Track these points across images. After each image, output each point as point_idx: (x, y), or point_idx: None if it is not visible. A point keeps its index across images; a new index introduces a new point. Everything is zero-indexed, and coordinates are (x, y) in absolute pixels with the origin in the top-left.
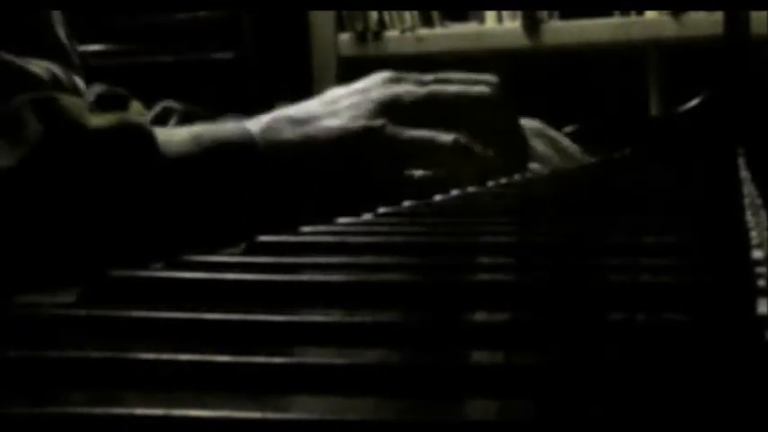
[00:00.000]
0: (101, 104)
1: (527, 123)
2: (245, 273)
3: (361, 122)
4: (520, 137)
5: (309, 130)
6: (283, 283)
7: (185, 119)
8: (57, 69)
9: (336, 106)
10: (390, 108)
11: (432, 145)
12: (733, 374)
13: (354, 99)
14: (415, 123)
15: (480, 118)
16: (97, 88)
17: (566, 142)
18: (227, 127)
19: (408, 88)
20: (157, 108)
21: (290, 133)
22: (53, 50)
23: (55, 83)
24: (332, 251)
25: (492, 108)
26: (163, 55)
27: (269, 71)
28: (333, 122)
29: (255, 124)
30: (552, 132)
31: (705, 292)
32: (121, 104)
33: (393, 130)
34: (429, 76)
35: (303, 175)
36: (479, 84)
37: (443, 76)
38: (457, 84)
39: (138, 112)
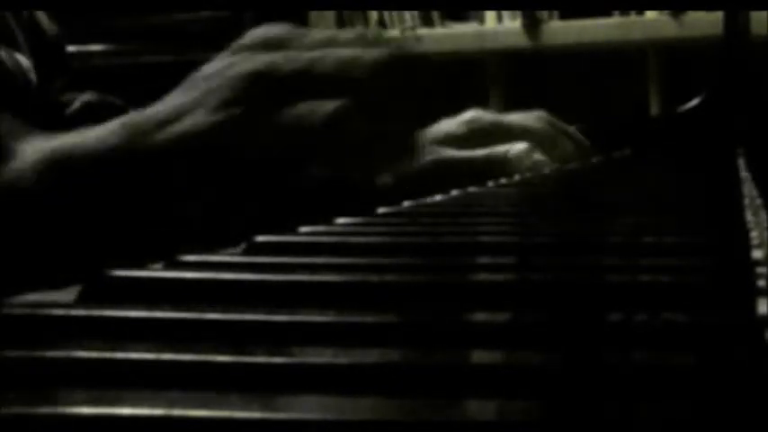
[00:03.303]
0: (88, 112)
1: (531, 113)
2: (244, 273)
3: (220, 114)
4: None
5: (174, 131)
6: (283, 283)
7: (102, 110)
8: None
9: (195, 94)
10: (257, 86)
11: (306, 122)
12: (733, 375)
13: (214, 83)
14: (292, 98)
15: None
16: (87, 96)
17: (575, 134)
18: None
19: (282, 57)
20: (77, 104)
21: (159, 138)
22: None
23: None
24: (331, 251)
25: (388, 78)
26: (163, 55)
27: None
28: (187, 121)
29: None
30: (560, 123)
31: (705, 292)
32: (113, 113)
33: (263, 114)
34: (314, 36)
35: (181, 183)
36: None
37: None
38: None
39: None
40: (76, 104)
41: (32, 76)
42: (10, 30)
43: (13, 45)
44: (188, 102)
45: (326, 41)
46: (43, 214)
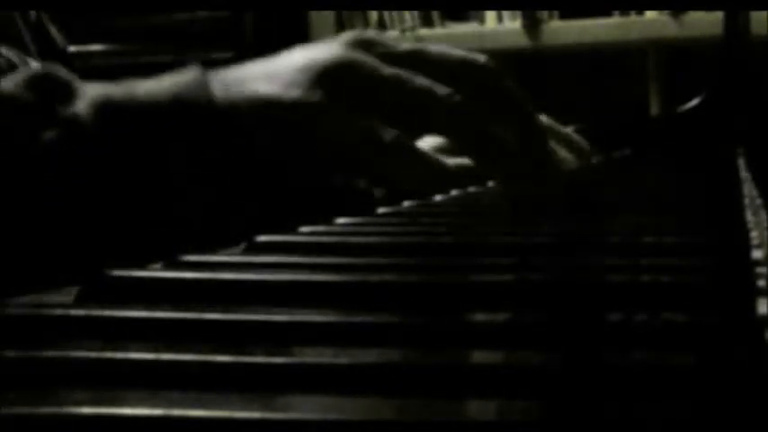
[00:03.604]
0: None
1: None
2: (244, 272)
3: (296, 92)
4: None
5: (232, 94)
6: (283, 283)
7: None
8: (12, 55)
9: (275, 67)
10: (333, 79)
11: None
12: (733, 375)
13: (301, 61)
14: (371, 106)
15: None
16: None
17: (574, 137)
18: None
19: (369, 59)
20: None
21: (216, 93)
22: (7, 37)
23: (9, 66)
24: (331, 251)
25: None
26: (163, 55)
27: None
28: (262, 87)
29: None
30: (558, 128)
31: (705, 292)
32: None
33: (335, 111)
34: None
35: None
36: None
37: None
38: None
39: None
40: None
41: None
42: (19, 34)
43: (23, 49)
44: (252, 74)
45: (416, 54)
46: (102, 148)
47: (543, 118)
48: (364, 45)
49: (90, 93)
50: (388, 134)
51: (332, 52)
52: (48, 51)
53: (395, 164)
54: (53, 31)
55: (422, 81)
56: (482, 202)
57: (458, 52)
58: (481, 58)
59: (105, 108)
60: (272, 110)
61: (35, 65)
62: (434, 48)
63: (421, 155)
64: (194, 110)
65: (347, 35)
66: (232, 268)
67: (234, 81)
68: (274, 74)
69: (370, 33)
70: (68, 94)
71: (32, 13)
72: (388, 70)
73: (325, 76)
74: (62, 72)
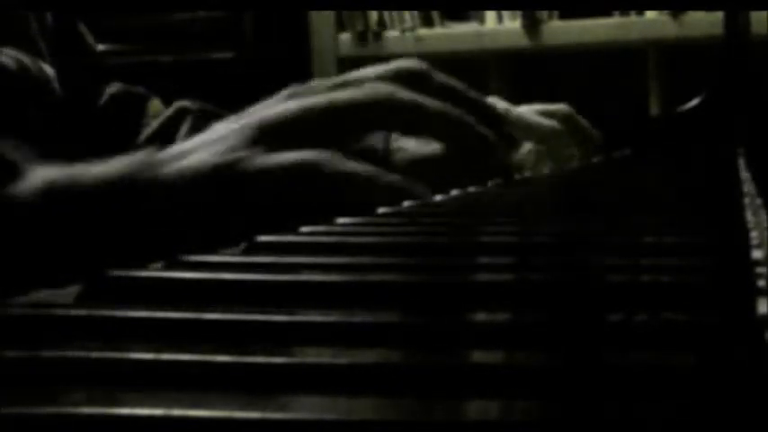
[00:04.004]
0: (116, 104)
1: (549, 106)
2: (244, 273)
3: (227, 156)
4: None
5: (177, 166)
6: (283, 283)
7: (200, 118)
8: (25, 58)
9: (212, 137)
10: (263, 134)
11: (298, 167)
12: (733, 375)
13: (231, 127)
14: (306, 143)
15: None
16: (113, 88)
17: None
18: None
19: (295, 103)
20: (171, 109)
21: (164, 171)
22: (21, 40)
23: (22, 70)
24: (331, 251)
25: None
26: (163, 55)
27: (269, 71)
28: (195, 157)
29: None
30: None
31: (705, 292)
32: (138, 104)
33: (245, 164)
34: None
35: (176, 213)
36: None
37: (354, 77)
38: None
39: (156, 110)
40: (106, 97)
41: (56, 84)
42: (33, 38)
43: (37, 53)
44: (199, 142)
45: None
46: (41, 228)
47: (562, 107)
48: (299, 94)
49: (38, 174)
50: (329, 162)
51: (264, 112)
52: (70, 52)
53: (341, 190)
54: (83, 30)
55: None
56: (482, 202)
57: (394, 66)
58: (417, 63)
59: (48, 189)
60: (207, 177)
61: (49, 69)
62: (368, 71)
63: (361, 174)
64: (138, 188)
65: (286, 90)
66: (232, 268)
67: (179, 154)
68: (214, 140)
69: (315, 83)
70: (12, 174)
71: (49, 16)
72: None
73: (261, 132)
74: (9, 152)
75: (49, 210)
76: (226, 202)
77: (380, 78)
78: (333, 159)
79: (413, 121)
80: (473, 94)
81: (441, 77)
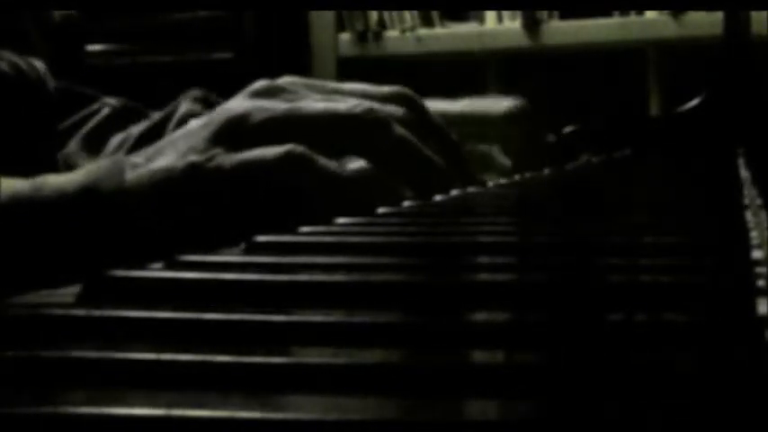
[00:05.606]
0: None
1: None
2: (244, 273)
3: (187, 159)
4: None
5: (147, 169)
6: (283, 283)
7: (122, 117)
8: (19, 60)
9: (174, 138)
10: (230, 133)
11: (259, 163)
12: (733, 375)
13: (192, 129)
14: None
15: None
16: (112, 101)
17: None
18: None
19: (265, 104)
20: (104, 111)
21: (132, 175)
22: (12, 36)
23: (18, 74)
24: (331, 251)
25: (367, 130)
26: (163, 55)
27: (269, 71)
28: (158, 162)
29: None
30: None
31: (705, 292)
32: (136, 118)
33: (219, 160)
34: (320, 84)
35: (151, 216)
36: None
37: (339, 87)
38: (345, 97)
39: None
40: (104, 111)
41: (48, 79)
42: (25, 32)
43: (29, 48)
44: (162, 146)
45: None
46: (5, 240)
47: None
48: (269, 92)
49: (1, 185)
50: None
51: (229, 107)
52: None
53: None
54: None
55: (316, 107)
56: (482, 202)
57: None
58: (397, 90)
59: (9, 202)
60: (170, 180)
61: (40, 65)
62: (347, 86)
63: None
64: (100, 197)
65: (253, 85)
66: (232, 268)
67: (149, 156)
68: (176, 142)
69: (284, 80)
70: None
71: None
72: (281, 106)
73: (218, 134)
74: None
75: (13, 222)
76: (204, 199)
77: (367, 96)
78: (316, 154)
79: (380, 143)
80: (453, 137)
81: (429, 115)
